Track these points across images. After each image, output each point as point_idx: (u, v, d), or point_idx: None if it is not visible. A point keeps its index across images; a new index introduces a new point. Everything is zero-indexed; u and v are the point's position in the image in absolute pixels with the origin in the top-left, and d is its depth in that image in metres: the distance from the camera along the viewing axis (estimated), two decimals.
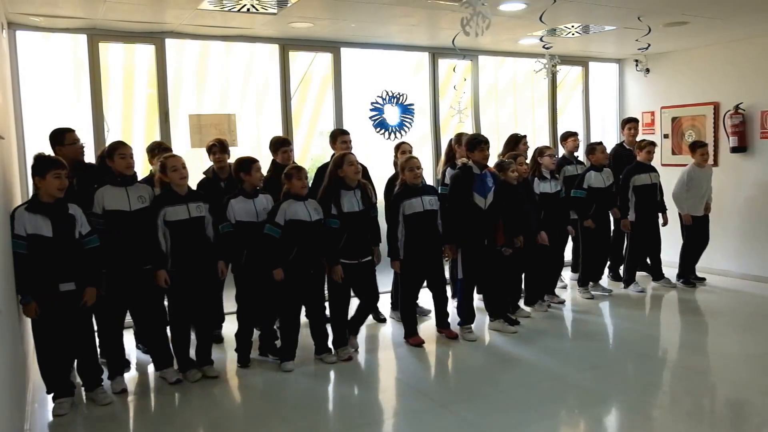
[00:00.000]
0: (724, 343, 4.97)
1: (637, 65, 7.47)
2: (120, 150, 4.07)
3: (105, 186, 4.04)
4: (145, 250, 4.07)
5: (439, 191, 5.29)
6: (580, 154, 6.72)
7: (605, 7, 5.20)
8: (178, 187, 4.15)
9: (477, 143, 4.98)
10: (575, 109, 8.02)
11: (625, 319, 5.68)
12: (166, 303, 4.38)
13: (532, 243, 5.47)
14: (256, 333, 4.72)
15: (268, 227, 4.29)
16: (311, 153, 5.70)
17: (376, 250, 4.79)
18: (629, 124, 6.88)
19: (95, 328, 4.10)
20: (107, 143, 5.12)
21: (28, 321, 4.76)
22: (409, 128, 6.71)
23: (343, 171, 4.56)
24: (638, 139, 6.69)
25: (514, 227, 5.20)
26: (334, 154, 5.13)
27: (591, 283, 6.30)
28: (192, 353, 4.38)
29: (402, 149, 5.49)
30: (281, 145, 5.13)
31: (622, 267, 6.73)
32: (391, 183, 5.42)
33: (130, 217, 4.03)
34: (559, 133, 6.86)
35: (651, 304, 6.16)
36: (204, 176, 5.09)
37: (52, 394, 3.83)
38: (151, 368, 4.51)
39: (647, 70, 6.62)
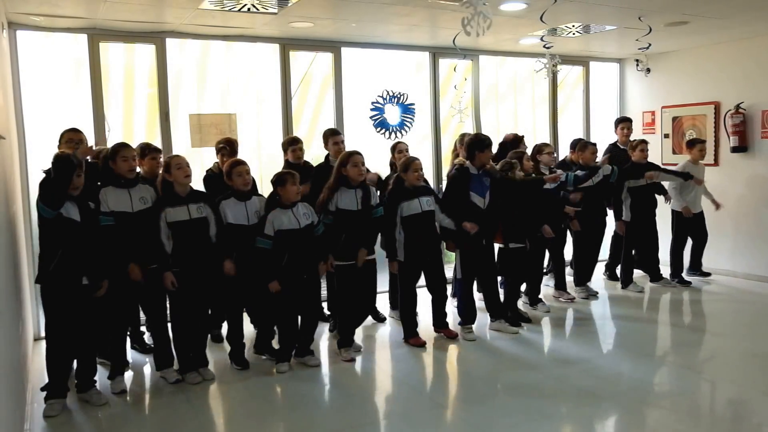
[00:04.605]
0: (725, 342, 4.96)
1: (637, 65, 7.43)
2: (122, 152, 4.06)
3: (108, 187, 4.06)
4: (149, 251, 4.09)
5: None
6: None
7: (606, 7, 5.20)
8: (180, 187, 4.13)
9: (486, 145, 4.98)
10: (576, 108, 8.01)
11: (624, 319, 5.67)
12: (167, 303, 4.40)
13: (535, 241, 5.49)
14: (250, 334, 4.69)
15: (259, 240, 4.25)
16: (312, 153, 5.72)
17: (361, 251, 4.60)
18: (622, 124, 6.87)
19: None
20: (108, 143, 5.15)
21: (28, 321, 4.79)
22: (409, 128, 6.71)
23: (346, 170, 4.55)
24: (631, 138, 6.66)
25: (514, 227, 5.21)
26: (328, 154, 5.28)
27: (587, 283, 6.30)
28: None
29: (398, 149, 5.49)
30: (290, 144, 5.32)
31: (618, 267, 6.72)
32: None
33: (133, 218, 4.05)
34: (559, 132, 6.82)
35: (650, 304, 6.15)
36: (207, 172, 5.10)
37: (45, 393, 3.81)
38: (147, 368, 4.51)
39: (648, 70, 6.60)
